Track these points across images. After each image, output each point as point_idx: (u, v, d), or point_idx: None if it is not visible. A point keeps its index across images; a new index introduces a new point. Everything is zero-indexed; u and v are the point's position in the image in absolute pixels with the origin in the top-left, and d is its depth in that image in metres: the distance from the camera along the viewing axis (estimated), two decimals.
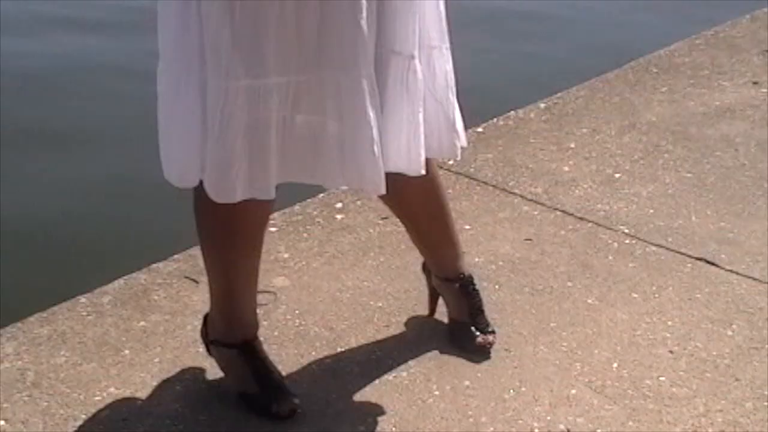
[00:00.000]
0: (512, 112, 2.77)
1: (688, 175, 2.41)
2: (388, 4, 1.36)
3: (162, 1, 1.36)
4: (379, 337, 1.76)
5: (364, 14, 1.30)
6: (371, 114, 1.34)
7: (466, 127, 1.59)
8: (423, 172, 1.45)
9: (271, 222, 1.97)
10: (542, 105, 2.82)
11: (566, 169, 2.44)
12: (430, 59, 1.46)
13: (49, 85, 3.54)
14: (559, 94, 2.90)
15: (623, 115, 2.75)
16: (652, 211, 2.23)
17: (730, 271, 1.98)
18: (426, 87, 1.44)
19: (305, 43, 1.30)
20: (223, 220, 1.45)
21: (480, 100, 2.98)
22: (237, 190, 1.36)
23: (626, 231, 2.14)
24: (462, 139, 1.54)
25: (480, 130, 2.65)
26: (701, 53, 3.21)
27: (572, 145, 2.57)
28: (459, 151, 1.55)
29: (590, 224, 2.17)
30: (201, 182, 1.39)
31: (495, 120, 2.72)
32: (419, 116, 1.42)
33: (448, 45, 1.49)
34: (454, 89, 1.51)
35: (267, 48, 1.29)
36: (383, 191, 1.39)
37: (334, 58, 1.31)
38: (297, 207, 2.20)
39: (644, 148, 2.55)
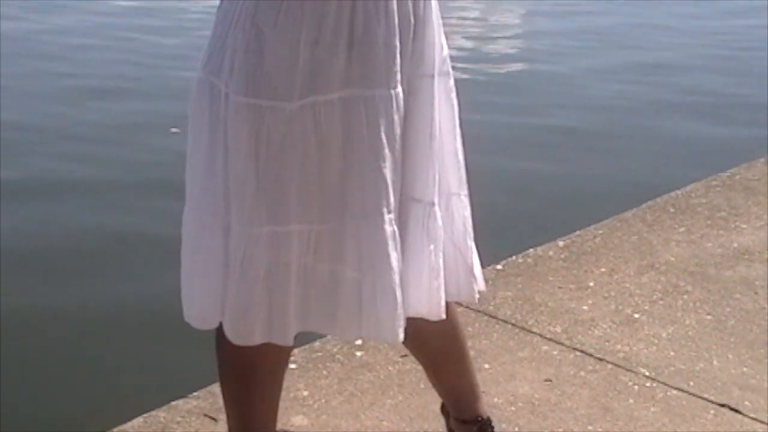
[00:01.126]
0: (531, 250, 2.81)
1: (708, 317, 2.41)
2: (410, 152, 1.42)
3: (190, 147, 1.42)
4: None
5: (387, 163, 1.36)
6: (394, 261, 1.37)
7: (485, 264, 1.61)
8: (443, 316, 1.47)
9: (291, 359, 1.97)
10: (561, 243, 2.86)
11: (585, 308, 2.45)
12: (449, 206, 1.51)
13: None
14: (577, 233, 2.94)
15: (641, 255, 2.77)
16: (672, 353, 2.22)
17: (755, 419, 1.95)
18: (445, 232, 1.48)
19: (327, 192, 1.35)
20: (242, 360, 1.47)
21: (499, 236, 3.05)
22: (255, 333, 1.38)
23: (647, 374, 2.12)
24: (480, 284, 1.57)
25: (499, 267, 2.68)
26: (718, 195, 3.26)
27: (591, 284, 2.59)
28: (477, 296, 1.57)
29: (610, 366, 2.16)
30: (221, 323, 1.42)
31: (514, 257, 2.76)
32: (439, 262, 1.45)
33: (466, 192, 1.54)
34: (472, 234, 1.55)
35: (289, 196, 1.34)
36: (401, 339, 1.41)
37: (356, 206, 1.36)
38: (317, 343, 2.21)
39: (663, 289, 2.56)
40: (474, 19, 6.85)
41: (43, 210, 3.67)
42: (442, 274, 1.45)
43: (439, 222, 1.45)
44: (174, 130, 3.87)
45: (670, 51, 6.12)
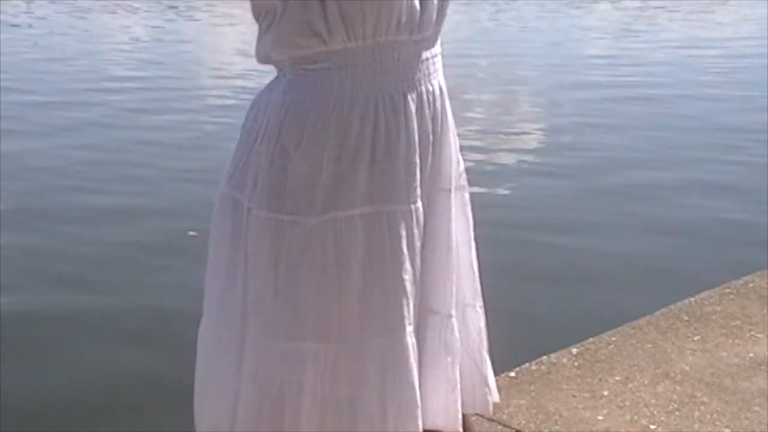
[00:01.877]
0: (544, 357, 2.79)
1: (726, 430, 2.36)
2: (427, 265, 1.44)
3: (210, 259, 1.45)
4: None
5: (408, 276, 1.37)
6: (415, 373, 1.38)
7: (498, 371, 1.61)
8: (460, 429, 1.46)
9: None
10: (574, 350, 2.84)
11: (600, 418, 2.42)
12: (464, 317, 1.52)
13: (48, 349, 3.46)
14: (590, 340, 2.92)
15: (656, 364, 2.74)
16: None
17: None
18: (461, 343, 1.49)
19: (346, 310, 1.36)
20: None
21: (511, 343, 3.03)
22: None
23: None
24: (494, 395, 1.56)
25: (512, 374, 2.66)
26: (731, 303, 3.24)
27: (605, 393, 2.56)
28: (491, 407, 1.57)
29: None
30: None
31: (527, 364, 2.73)
32: (456, 374, 1.45)
33: (481, 303, 1.55)
34: (486, 346, 1.55)
35: (306, 312, 1.35)
36: None
37: (377, 322, 1.36)
38: None
39: (679, 399, 2.52)
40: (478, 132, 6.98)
41: (49, 345, 3.58)
42: (458, 386, 1.45)
43: (457, 334, 1.46)
44: (192, 233, 3.90)
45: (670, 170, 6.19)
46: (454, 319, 1.46)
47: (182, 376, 1.49)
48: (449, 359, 1.45)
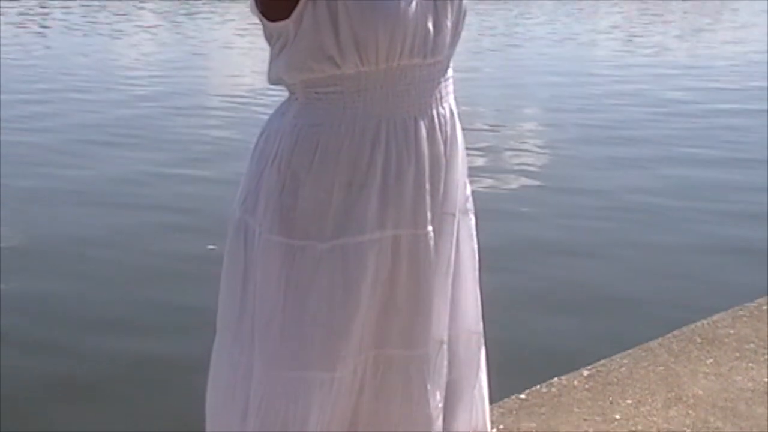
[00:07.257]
0: (555, 379, 2.77)
1: None
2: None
3: (224, 281, 1.44)
4: None
5: (412, 303, 1.38)
6: (438, 395, 1.39)
7: (508, 394, 1.59)
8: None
9: None
10: (585, 372, 2.82)
11: None
12: (468, 343, 1.51)
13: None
14: (602, 362, 2.90)
15: (668, 387, 2.72)
16: None
17: None
18: (460, 370, 1.51)
19: (352, 338, 1.35)
20: None
21: (522, 365, 3.02)
22: None
23: None
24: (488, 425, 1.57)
25: (523, 396, 2.64)
26: (745, 325, 3.21)
27: (617, 417, 2.53)
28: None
29: None
30: None
31: (538, 387, 2.72)
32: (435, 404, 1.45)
33: (482, 329, 1.55)
34: (485, 371, 1.56)
35: (313, 342, 1.34)
36: None
37: (392, 341, 1.38)
38: None
39: (692, 424, 2.50)
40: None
41: None
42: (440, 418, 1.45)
43: (446, 362, 1.45)
44: (211, 246, 3.88)
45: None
46: (445, 347, 1.45)
47: None
48: (430, 386, 1.43)
